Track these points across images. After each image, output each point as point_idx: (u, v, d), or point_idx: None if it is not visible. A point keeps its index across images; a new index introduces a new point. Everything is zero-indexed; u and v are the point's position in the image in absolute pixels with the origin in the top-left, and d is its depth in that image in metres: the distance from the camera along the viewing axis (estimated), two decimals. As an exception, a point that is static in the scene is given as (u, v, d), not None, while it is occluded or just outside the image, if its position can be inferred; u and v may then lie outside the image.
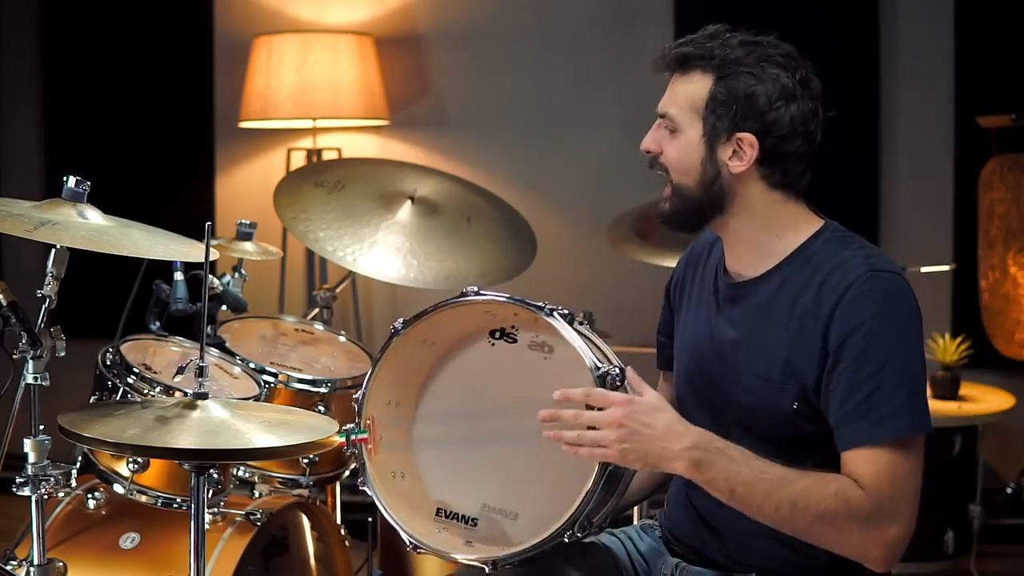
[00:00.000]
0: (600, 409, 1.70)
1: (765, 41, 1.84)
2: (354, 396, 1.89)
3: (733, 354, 1.86)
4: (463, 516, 1.86)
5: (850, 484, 1.70)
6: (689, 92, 1.85)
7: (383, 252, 2.92)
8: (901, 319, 1.73)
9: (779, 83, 1.79)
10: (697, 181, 1.84)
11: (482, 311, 1.84)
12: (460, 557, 1.78)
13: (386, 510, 1.83)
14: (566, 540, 1.71)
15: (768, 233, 1.85)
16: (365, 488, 1.85)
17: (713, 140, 1.82)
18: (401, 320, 1.89)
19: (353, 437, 1.84)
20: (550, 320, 1.75)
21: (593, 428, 1.70)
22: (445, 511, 1.87)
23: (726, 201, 1.84)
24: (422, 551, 1.79)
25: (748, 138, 1.80)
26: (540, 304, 1.78)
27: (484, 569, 1.75)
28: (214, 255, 1.97)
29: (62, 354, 2.12)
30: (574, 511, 1.70)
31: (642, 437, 1.69)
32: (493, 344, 1.86)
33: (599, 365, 1.72)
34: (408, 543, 1.81)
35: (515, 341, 1.85)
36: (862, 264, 1.75)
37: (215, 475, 2.34)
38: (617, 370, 1.73)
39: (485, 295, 1.82)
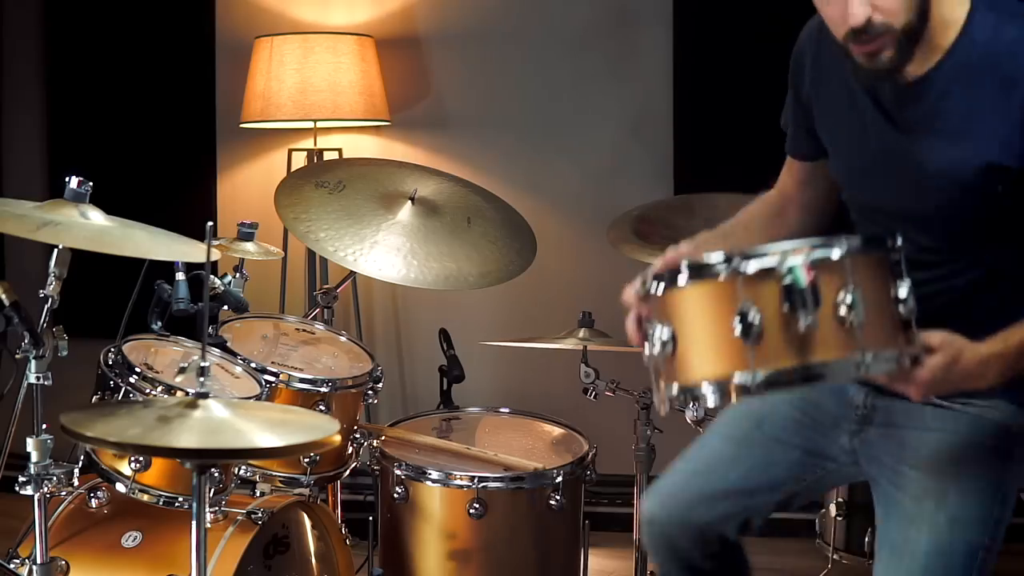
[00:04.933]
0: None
1: None
2: None
3: (914, 160, 1.80)
4: None
5: None
6: None
7: (384, 252, 2.93)
8: None
9: None
10: (916, 6, 1.72)
11: None
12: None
13: None
14: None
15: (936, 24, 1.75)
16: None
17: None
18: None
19: None
20: None
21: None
22: None
23: (929, 8, 1.74)
24: None
25: None
26: None
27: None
28: (215, 255, 1.98)
29: (64, 354, 2.13)
30: None
31: (951, 384, 1.69)
32: None
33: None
34: None
35: None
36: None
37: (216, 474, 2.35)
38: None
39: None
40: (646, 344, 1.68)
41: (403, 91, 4.29)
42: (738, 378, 1.54)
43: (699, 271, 1.58)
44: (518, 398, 3.65)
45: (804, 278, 1.53)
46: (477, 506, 2.59)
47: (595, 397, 3.05)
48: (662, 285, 1.62)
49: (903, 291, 1.60)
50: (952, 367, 1.66)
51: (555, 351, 3.35)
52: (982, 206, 1.78)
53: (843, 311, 1.54)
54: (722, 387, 1.57)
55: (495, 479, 2.64)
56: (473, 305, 4.20)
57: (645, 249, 3.34)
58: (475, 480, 2.62)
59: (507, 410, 3.08)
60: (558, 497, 2.64)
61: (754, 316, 1.52)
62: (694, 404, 1.61)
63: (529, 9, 4.24)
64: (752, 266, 1.54)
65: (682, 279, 1.59)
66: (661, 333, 1.61)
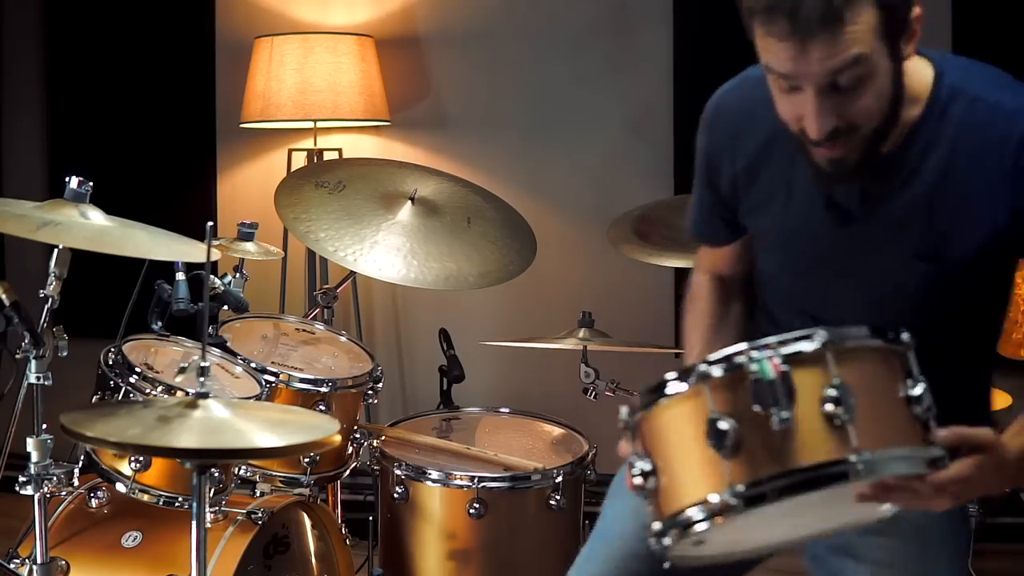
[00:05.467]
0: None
1: None
2: None
3: (884, 253, 1.66)
4: None
5: None
6: (860, 29, 1.48)
7: (383, 252, 2.93)
8: None
9: None
10: (890, 106, 1.57)
11: None
12: None
13: None
14: None
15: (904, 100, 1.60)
16: None
17: (897, 48, 1.54)
18: None
19: None
20: None
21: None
22: None
23: (900, 103, 1.58)
24: None
25: (916, 11, 1.54)
26: None
27: None
28: (215, 255, 1.98)
29: (64, 354, 2.13)
30: None
31: (983, 490, 1.53)
32: None
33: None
34: None
35: None
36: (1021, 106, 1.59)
37: (217, 474, 2.35)
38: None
39: None
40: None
41: (403, 91, 4.29)
42: (716, 497, 1.35)
43: (665, 388, 1.43)
44: (518, 398, 3.65)
45: (771, 370, 1.35)
46: (477, 506, 2.59)
47: (595, 397, 3.05)
48: (635, 414, 1.46)
49: (917, 390, 1.40)
50: (985, 468, 1.48)
51: (555, 351, 3.35)
52: (951, 286, 1.66)
53: (829, 407, 1.34)
54: (706, 511, 1.36)
55: (495, 479, 2.64)
56: (473, 305, 4.20)
57: (645, 249, 3.34)
58: (475, 480, 2.62)
59: (507, 410, 3.08)
60: (558, 497, 2.64)
61: (725, 424, 1.35)
62: (680, 537, 1.39)
63: (529, 9, 4.24)
64: (717, 370, 1.38)
65: (649, 401, 1.44)
66: (642, 466, 1.43)
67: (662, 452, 1.43)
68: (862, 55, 1.49)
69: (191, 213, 3.39)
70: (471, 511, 2.59)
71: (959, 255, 1.64)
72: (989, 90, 1.62)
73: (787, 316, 1.82)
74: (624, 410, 1.47)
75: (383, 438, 2.82)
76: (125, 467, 2.32)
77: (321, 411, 2.66)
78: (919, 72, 1.62)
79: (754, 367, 1.36)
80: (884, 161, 1.63)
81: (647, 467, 1.43)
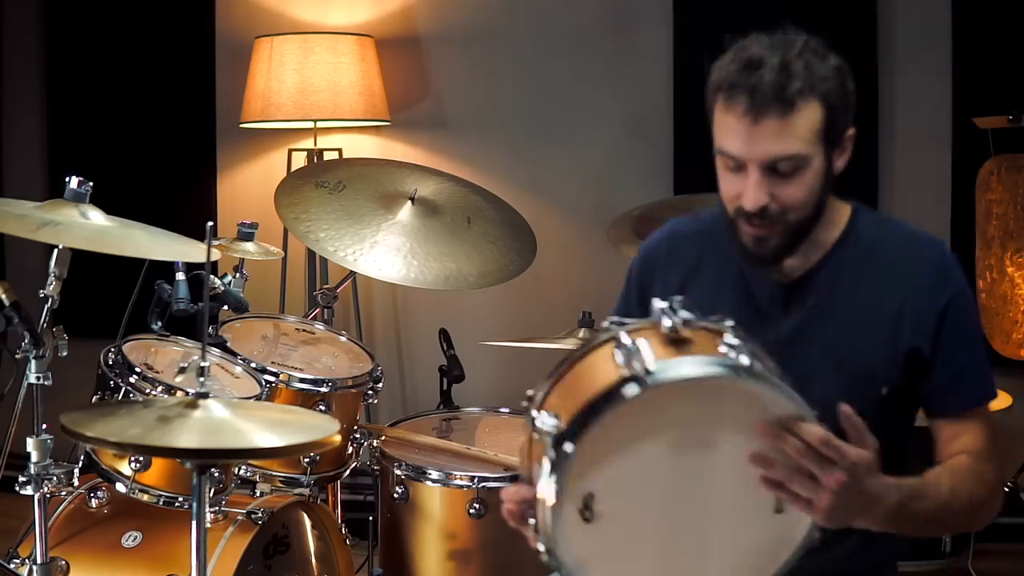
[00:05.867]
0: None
1: (805, 40, 1.74)
2: None
3: (801, 358, 1.73)
4: None
5: (970, 460, 1.76)
6: (805, 124, 1.70)
7: (383, 252, 2.93)
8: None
9: (841, 63, 1.74)
10: (815, 203, 1.77)
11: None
12: None
13: None
14: None
15: (822, 222, 1.81)
16: None
17: (831, 154, 1.76)
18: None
19: None
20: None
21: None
22: None
23: (824, 208, 1.79)
24: None
25: (850, 131, 1.78)
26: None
27: None
28: (215, 255, 1.98)
29: (64, 354, 2.14)
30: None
31: (856, 498, 1.52)
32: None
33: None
34: None
35: None
36: (930, 240, 1.84)
37: (217, 474, 2.35)
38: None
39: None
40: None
41: (403, 91, 4.29)
42: (625, 371, 1.43)
43: (581, 347, 1.55)
44: (518, 398, 3.63)
45: (679, 297, 1.51)
46: (477, 506, 2.59)
47: (595, 397, 3.05)
48: (545, 381, 1.54)
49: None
50: (871, 467, 1.51)
51: (555, 351, 3.35)
52: (868, 401, 1.69)
53: (723, 348, 1.46)
54: (614, 391, 1.42)
55: (495, 479, 2.63)
56: (473, 305, 4.20)
57: (645, 249, 3.33)
58: (475, 480, 2.62)
59: (507, 410, 3.08)
60: (558, 497, 2.64)
61: (633, 343, 1.45)
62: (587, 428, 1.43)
63: (529, 9, 4.25)
64: (630, 325, 1.51)
65: (559, 364, 1.54)
66: (546, 418, 1.48)
67: (569, 396, 1.50)
68: (801, 152, 1.70)
69: (191, 213, 3.39)
70: (471, 511, 2.59)
71: (871, 370, 1.78)
72: (899, 224, 1.88)
73: None
74: (530, 391, 1.56)
75: (383, 438, 2.82)
76: (125, 467, 2.32)
77: (321, 411, 2.66)
78: (839, 206, 1.85)
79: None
80: (802, 278, 1.83)
81: (552, 420, 1.48)
